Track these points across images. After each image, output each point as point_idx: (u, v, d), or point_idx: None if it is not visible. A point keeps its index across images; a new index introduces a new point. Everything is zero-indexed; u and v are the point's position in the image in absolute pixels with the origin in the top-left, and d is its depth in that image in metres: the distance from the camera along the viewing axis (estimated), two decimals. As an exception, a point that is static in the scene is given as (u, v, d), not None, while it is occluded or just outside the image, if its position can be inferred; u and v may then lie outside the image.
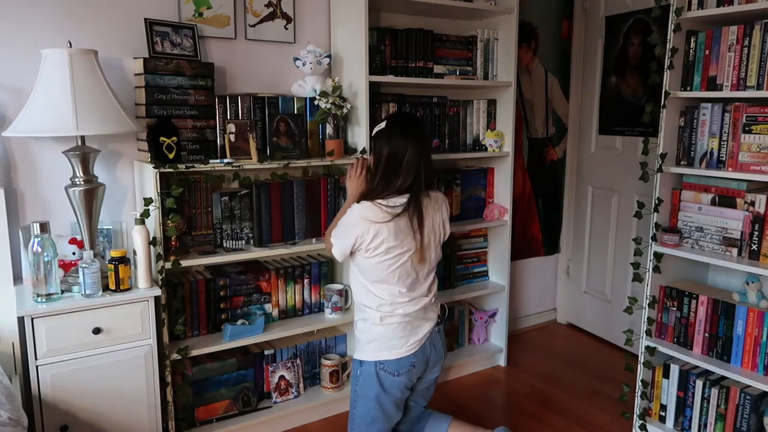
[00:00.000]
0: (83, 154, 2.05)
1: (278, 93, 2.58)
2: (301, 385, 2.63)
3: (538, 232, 3.72)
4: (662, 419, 2.46)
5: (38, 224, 1.93)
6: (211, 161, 2.27)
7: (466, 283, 3.15)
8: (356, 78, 2.55)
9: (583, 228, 3.69)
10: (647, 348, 2.44)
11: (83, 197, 2.05)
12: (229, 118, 2.37)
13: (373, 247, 1.96)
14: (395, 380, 2.03)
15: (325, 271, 2.65)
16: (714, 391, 2.26)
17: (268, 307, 2.54)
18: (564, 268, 3.84)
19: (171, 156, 2.16)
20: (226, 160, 2.28)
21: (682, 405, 2.38)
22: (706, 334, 2.28)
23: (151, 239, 2.12)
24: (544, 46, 3.53)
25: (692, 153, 2.30)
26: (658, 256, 2.39)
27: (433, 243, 2.08)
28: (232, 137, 2.32)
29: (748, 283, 2.19)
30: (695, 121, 2.28)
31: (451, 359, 3.00)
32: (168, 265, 2.17)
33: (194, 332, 2.38)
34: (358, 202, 2.01)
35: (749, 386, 2.18)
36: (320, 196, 2.55)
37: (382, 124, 2.09)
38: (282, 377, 2.57)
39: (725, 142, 2.18)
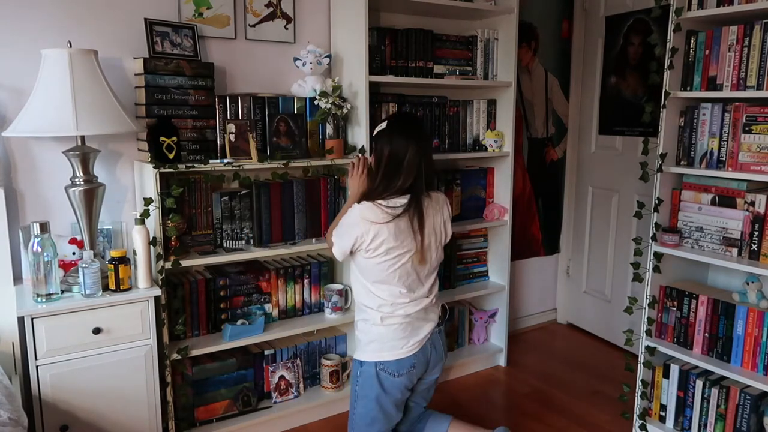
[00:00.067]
0: (83, 154, 2.05)
1: (278, 93, 2.58)
2: (301, 385, 2.63)
3: (538, 232, 3.72)
4: (662, 419, 2.46)
5: (38, 224, 1.93)
6: (211, 161, 2.27)
7: (466, 283, 3.16)
8: (356, 78, 2.55)
9: (583, 228, 3.69)
10: (647, 348, 2.44)
11: (83, 197, 2.05)
12: (229, 118, 2.37)
13: (374, 247, 1.96)
14: (395, 381, 2.02)
15: (325, 271, 2.65)
16: (714, 391, 2.26)
17: (268, 307, 2.54)
18: (564, 268, 3.84)
19: (171, 156, 2.16)
20: (226, 160, 2.28)
21: (682, 405, 2.38)
22: (706, 334, 2.28)
23: (151, 239, 2.12)
24: (544, 46, 3.53)
25: (692, 153, 2.30)
26: (658, 256, 2.39)
27: (434, 244, 2.08)
28: (232, 137, 2.32)
29: (748, 283, 2.19)
30: (695, 121, 2.28)
31: (451, 359, 3.00)
32: (168, 265, 2.17)
33: (194, 332, 2.38)
34: (358, 202, 2.01)
35: (749, 386, 2.18)
36: (320, 196, 2.55)
37: (383, 124, 2.09)
38: (282, 377, 2.57)
39: (725, 142, 2.18)
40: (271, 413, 2.51)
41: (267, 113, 2.45)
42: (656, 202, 2.37)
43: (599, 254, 3.57)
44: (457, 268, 3.09)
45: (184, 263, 2.21)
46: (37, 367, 1.92)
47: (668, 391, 2.42)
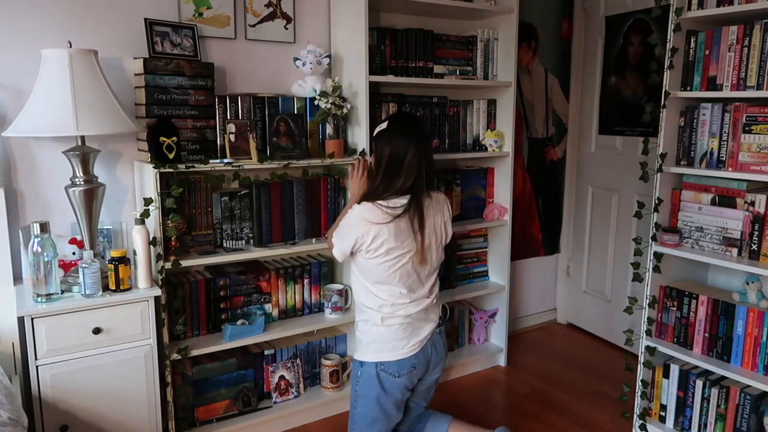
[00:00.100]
0: (83, 154, 2.05)
1: (278, 93, 2.58)
2: (301, 385, 2.63)
3: (538, 232, 3.72)
4: (662, 419, 2.46)
5: (38, 224, 1.93)
6: (211, 161, 2.27)
7: (466, 283, 3.16)
8: (356, 78, 2.55)
9: (583, 228, 3.69)
10: (647, 348, 2.44)
11: (83, 197, 2.05)
12: (229, 118, 2.37)
13: (374, 248, 1.96)
14: (396, 381, 2.02)
15: (325, 271, 2.65)
16: (714, 391, 2.26)
17: (268, 307, 2.54)
18: (564, 268, 3.84)
19: (171, 156, 2.16)
20: (226, 160, 2.28)
21: (682, 405, 2.38)
22: (706, 334, 2.28)
23: (151, 239, 2.12)
24: (544, 46, 3.53)
25: (692, 153, 2.30)
26: (658, 256, 2.39)
27: (434, 244, 2.07)
28: (232, 137, 2.32)
29: (748, 283, 2.19)
30: (695, 121, 2.28)
31: (451, 359, 3.00)
32: (168, 265, 2.17)
33: (194, 332, 2.38)
34: (359, 203, 2.01)
35: (749, 386, 2.18)
36: (320, 196, 2.55)
37: (384, 125, 2.08)
38: (282, 377, 2.57)
39: (725, 142, 2.18)
40: (271, 413, 2.51)
41: (267, 113, 2.45)
42: (656, 202, 2.37)
43: (599, 254, 3.57)
44: (457, 268, 3.09)
45: (184, 263, 2.21)
46: (37, 367, 1.92)
47: (668, 391, 2.42)
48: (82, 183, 2.06)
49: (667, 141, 2.35)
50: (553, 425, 2.65)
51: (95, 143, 2.21)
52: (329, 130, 2.56)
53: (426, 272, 2.07)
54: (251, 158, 2.32)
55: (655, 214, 2.38)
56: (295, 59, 2.53)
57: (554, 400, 2.87)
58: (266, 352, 2.55)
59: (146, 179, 2.19)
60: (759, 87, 2.06)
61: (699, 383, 2.31)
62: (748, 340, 2.15)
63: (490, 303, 3.26)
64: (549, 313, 3.90)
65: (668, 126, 2.34)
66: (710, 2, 2.18)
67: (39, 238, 1.93)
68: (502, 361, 3.24)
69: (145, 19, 2.24)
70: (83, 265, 2.00)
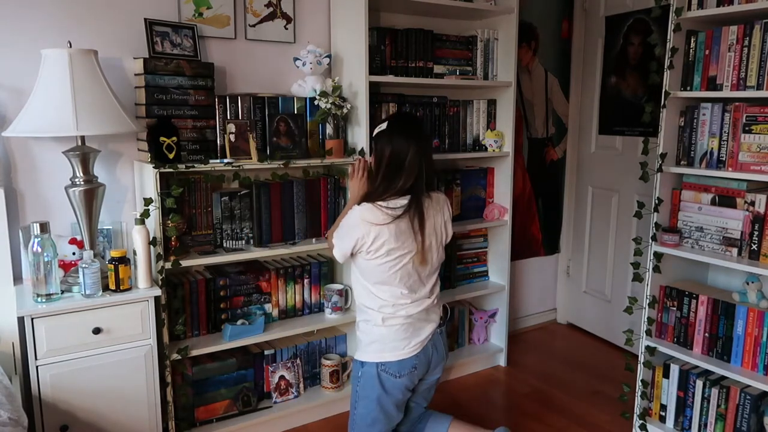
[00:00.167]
0: (83, 154, 2.05)
1: (278, 93, 2.58)
2: (301, 385, 2.63)
3: (538, 232, 3.72)
4: (662, 419, 2.46)
5: (38, 224, 1.93)
6: (211, 161, 2.27)
7: (466, 283, 3.16)
8: (356, 78, 2.55)
9: (583, 228, 3.69)
10: (647, 348, 2.44)
11: (83, 197, 2.05)
12: (229, 118, 2.37)
13: (374, 249, 1.95)
14: (397, 382, 2.02)
15: (325, 271, 2.65)
16: (714, 391, 2.26)
17: (268, 307, 2.54)
18: (564, 268, 3.84)
19: (171, 156, 2.16)
20: (226, 160, 2.28)
21: (682, 405, 2.38)
22: (706, 334, 2.28)
23: (151, 239, 2.12)
24: (544, 46, 3.53)
25: (692, 153, 2.30)
26: (658, 256, 2.39)
27: (435, 244, 2.07)
28: (232, 137, 2.32)
29: (748, 283, 2.19)
30: (695, 121, 2.28)
31: (451, 359, 3.00)
32: (168, 265, 2.17)
33: (194, 332, 2.38)
34: (359, 203, 2.01)
35: (749, 386, 2.18)
36: (320, 196, 2.55)
37: (383, 125, 2.08)
38: (282, 377, 2.57)
39: (725, 142, 2.18)
40: (271, 413, 2.50)
41: (267, 113, 2.45)
42: (656, 202, 2.37)
43: (599, 254, 3.57)
44: (457, 268, 3.09)
45: (184, 263, 2.21)
46: (37, 367, 1.92)
47: (668, 391, 2.42)
48: (82, 183, 2.06)
49: (667, 141, 2.35)
50: (553, 425, 2.65)
51: (95, 143, 2.21)
52: (329, 130, 2.56)
53: (427, 272, 2.07)
54: (251, 158, 2.32)
55: (655, 214, 2.38)
56: (295, 59, 2.53)
57: (554, 400, 2.87)
58: (266, 352, 2.55)
59: (146, 179, 2.19)
60: (759, 87, 2.06)
61: (699, 383, 2.31)
62: (748, 340, 2.15)
63: (490, 303, 3.26)
64: (549, 313, 3.90)
65: (668, 126, 2.34)
66: (710, 2, 2.18)
67: (39, 238, 1.93)
68: (502, 361, 3.24)
69: (145, 19, 2.24)
70: (83, 265, 2.00)
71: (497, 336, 3.26)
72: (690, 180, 2.33)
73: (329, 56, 2.57)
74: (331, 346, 2.74)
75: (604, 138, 3.51)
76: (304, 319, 2.61)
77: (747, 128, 2.11)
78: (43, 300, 1.95)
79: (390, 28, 2.72)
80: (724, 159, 2.19)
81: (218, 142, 2.35)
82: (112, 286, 2.05)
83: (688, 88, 2.29)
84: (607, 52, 3.44)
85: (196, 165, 2.20)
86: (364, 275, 2.04)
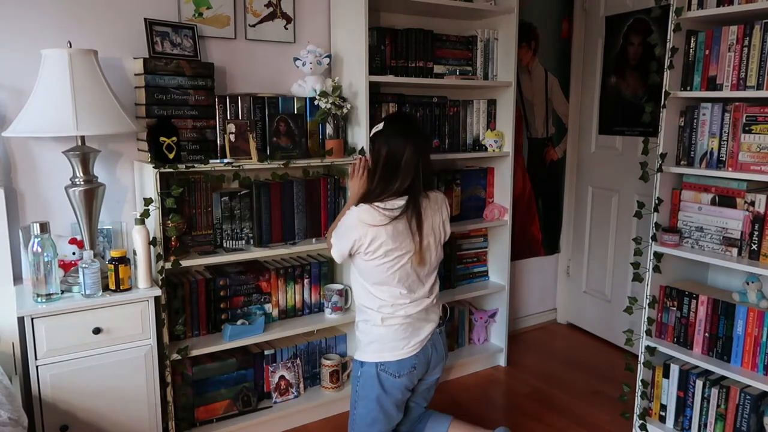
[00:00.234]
0: (83, 154, 2.05)
1: (278, 93, 2.58)
2: (301, 385, 2.63)
3: (538, 232, 3.72)
4: (662, 419, 2.46)
5: (38, 224, 1.93)
6: (211, 161, 2.27)
7: (466, 283, 3.16)
8: (356, 78, 2.55)
9: (583, 228, 3.69)
10: (647, 348, 2.44)
11: (83, 197, 2.05)
12: (229, 118, 2.37)
13: (372, 250, 1.96)
14: (396, 381, 2.02)
15: (325, 271, 2.65)
16: (714, 391, 2.26)
17: (268, 307, 2.54)
18: (564, 268, 3.84)
19: (171, 156, 2.16)
20: (226, 160, 2.28)
21: (682, 405, 2.38)
22: (706, 334, 2.28)
23: (151, 239, 2.12)
24: (544, 46, 3.53)
25: (692, 153, 2.30)
26: (658, 256, 2.39)
27: (433, 244, 2.07)
28: (232, 137, 2.32)
29: (748, 283, 2.19)
30: (695, 121, 2.28)
31: (451, 359, 3.00)
32: (168, 265, 2.17)
33: (194, 332, 2.38)
34: (356, 204, 2.01)
35: (749, 386, 2.18)
36: (320, 196, 2.55)
37: (380, 125, 2.08)
38: (282, 377, 2.57)
39: (725, 142, 2.18)
40: (271, 413, 2.51)
41: (267, 113, 2.45)
42: (656, 202, 2.37)
43: (599, 254, 3.57)
44: (457, 268, 3.09)
45: (184, 263, 2.21)
46: (37, 367, 1.92)
47: (668, 391, 2.42)
48: (82, 183, 2.06)
49: (667, 141, 2.35)
50: (553, 425, 2.65)
51: (95, 143, 2.21)
52: (329, 130, 2.56)
53: (425, 272, 2.07)
54: (251, 158, 2.32)
55: (655, 214, 2.38)
56: (295, 59, 2.53)
57: (554, 400, 2.87)
58: (266, 352, 2.55)
59: (146, 179, 2.19)
60: (759, 87, 2.06)
61: (699, 383, 2.31)
62: (748, 340, 2.15)
63: (490, 303, 3.26)
64: (549, 313, 3.90)
65: (668, 126, 2.34)
66: (710, 2, 2.18)
67: (39, 238, 1.93)
68: (502, 361, 3.24)
69: (145, 19, 2.24)
70: (83, 265, 2.00)
71: (497, 336, 3.26)
72: (690, 180, 2.33)
73: (329, 56, 2.57)
74: (331, 346, 2.74)
75: (604, 138, 3.51)
76: (304, 319, 2.61)
77: (747, 128, 2.11)
78: (43, 300, 1.95)
79: (390, 28, 2.72)
80: (724, 159, 2.19)
81: (218, 142, 2.35)
82: (112, 286, 2.05)
83: (688, 88, 2.29)
84: (607, 52, 3.44)
85: (196, 165, 2.20)
86: (363, 275, 2.04)
